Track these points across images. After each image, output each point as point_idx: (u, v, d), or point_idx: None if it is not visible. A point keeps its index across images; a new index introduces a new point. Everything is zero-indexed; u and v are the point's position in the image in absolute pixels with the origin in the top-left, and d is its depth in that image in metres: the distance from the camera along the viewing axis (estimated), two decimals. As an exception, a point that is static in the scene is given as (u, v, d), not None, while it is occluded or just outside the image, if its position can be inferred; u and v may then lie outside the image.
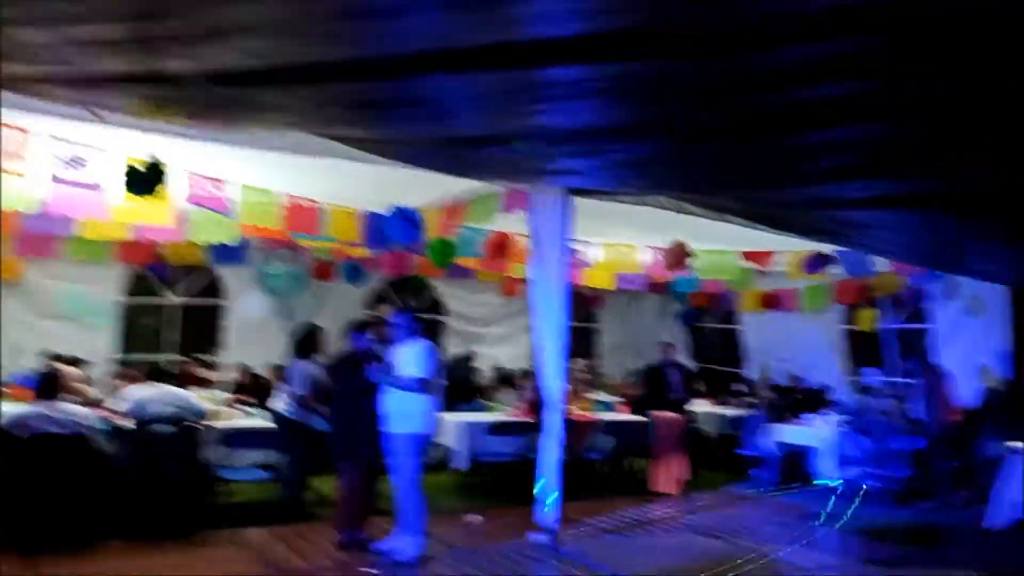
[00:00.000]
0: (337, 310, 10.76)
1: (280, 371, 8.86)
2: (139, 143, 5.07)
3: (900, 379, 10.19)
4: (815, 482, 8.48)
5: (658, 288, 12.29)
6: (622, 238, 8.91)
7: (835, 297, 10.46)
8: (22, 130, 5.18)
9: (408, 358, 5.34)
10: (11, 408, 5.82)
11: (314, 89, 2.87)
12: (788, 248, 8.53)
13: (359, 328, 5.93)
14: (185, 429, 5.70)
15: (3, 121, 5.03)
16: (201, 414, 5.90)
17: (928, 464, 7.89)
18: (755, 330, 12.38)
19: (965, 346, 9.46)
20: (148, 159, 5.01)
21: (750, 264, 9.15)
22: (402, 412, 5.25)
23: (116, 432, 5.72)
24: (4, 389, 7.17)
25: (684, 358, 11.51)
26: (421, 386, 5.24)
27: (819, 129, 2.86)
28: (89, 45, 2.45)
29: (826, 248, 8.14)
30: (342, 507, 5.54)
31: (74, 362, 8.67)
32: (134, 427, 5.63)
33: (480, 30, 2.24)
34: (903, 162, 3.10)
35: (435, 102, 2.93)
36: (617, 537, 6.19)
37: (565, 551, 5.76)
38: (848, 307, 10.76)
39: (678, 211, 6.07)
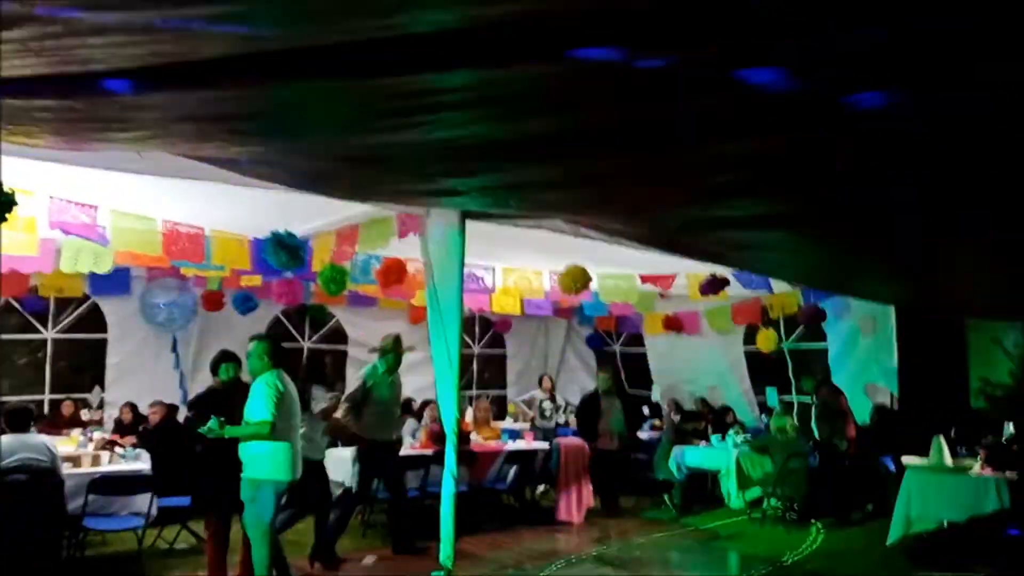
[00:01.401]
0: (229, 341, 10.33)
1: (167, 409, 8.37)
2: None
3: (798, 398, 10.44)
4: (721, 504, 8.51)
5: (564, 312, 12.30)
6: (524, 263, 8.81)
7: (732, 318, 10.65)
8: None
9: (254, 395, 4.87)
10: None
11: (160, 98, 2.61)
12: (689, 270, 8.60)
13: (226, 360, 5.51)
14: (42, 478, 5.19)
15: None
16: (56, 459, 5.39)
17: (826, 482, 8.01)
18: (659, 353, 12.49)
19: (857, 364, 9.76)
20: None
21: (649, 287, 9.19)
22: (251, 455, 4.80)
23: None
24: None
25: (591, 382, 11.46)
26: (271, 431, 4.71)
27: (705, 143, 2.78)
28: None
29: (723, 270, 8.25)
30: (211, 558, 5.13)
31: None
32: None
33: (334, 28, 2.03)
34: (785, 179, 3.06)
35: (292, 114, 2.72)
36: (517, 572, 5.98)
37: (463, 590, 5.52)
38: (748, 328, 10.97)
39: (575, 235, 5.99)
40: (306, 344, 11.63)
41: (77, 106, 2.73)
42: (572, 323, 13.38)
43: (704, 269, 8.39)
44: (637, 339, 12.86)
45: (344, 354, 11.95)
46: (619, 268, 8.73)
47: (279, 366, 4.99)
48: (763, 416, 10.41)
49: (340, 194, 5.14)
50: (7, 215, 4.74)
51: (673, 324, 11.53)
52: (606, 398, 8.59)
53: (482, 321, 12.91)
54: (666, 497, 8.70)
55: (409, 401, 10.91)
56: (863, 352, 9.76)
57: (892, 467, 7.88)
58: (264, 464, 4.76)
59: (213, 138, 3.26)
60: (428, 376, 12.19)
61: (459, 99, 2.48)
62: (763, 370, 11.17)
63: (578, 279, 7.44)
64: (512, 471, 7.92)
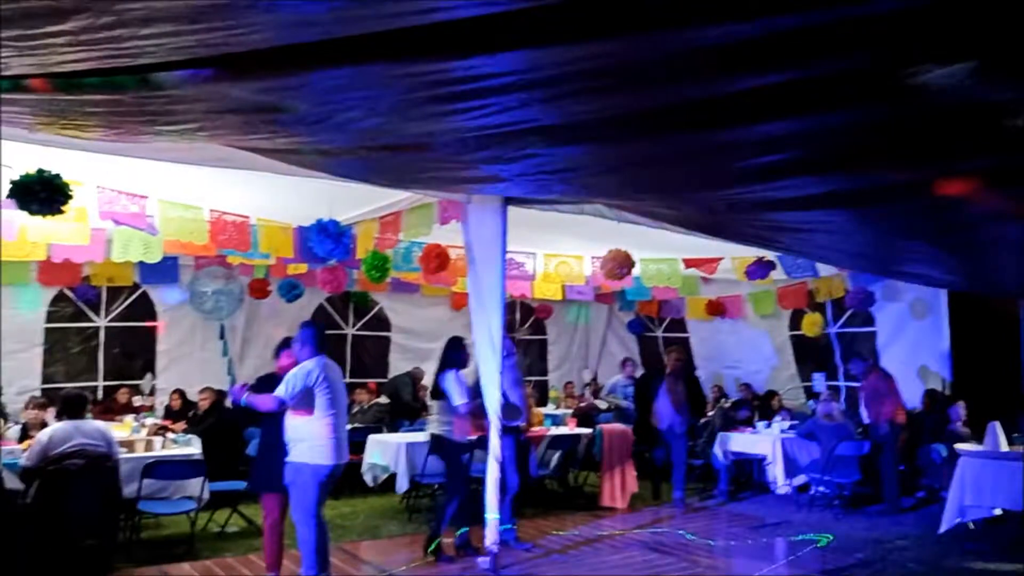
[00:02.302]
0: (275, 328, 10.49)
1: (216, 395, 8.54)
2: (46, 158, 4.75)
3: (846, 383, 10.26)
4: (766, 491, 8.42)
5: (606, 298, 12.24)
6: (566, 248, 8.78)
7: (778, 303, 10.49)
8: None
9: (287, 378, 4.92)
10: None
11: (208, 90, 2.63)
12: (734, 253, 8.49)
13: (287, 346, 5.60)
14: (99, 462, 5.33)
15: None
16: (112, 444, 5.54)
17: (875, 468, 7.87)
18: (702, 338, 12.37)
19: (907, 348, 9.55)
20: (42, 174, 4.65)
21: (693, 271, 9.09)
22: (293, 439, 4.86)
23: (25, 468, 5.33)
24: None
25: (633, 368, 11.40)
26: (278, 405, 4.79)
27: (756, 123, 2.70)
28: None
29: (769, 254, 8.12)
30: (267, 540, 5.20)
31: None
32: (34, 464, 5.24)
33: (375, 16, 2.02)
34: (837, 157, 2.97)
35: (335, 103, 2.71)
36: (563, 556, 5.99)
37: (505, 574, 5.54)
38: (794, 312, 10.80)
39: (618, 220, 5.94)
40: (350, 331, 11.76)
41: (126, 99, 2.77)
42: (613, 308, 13.31)
43: (749, 253, 8.27)
44: (679, 324, 12.75)
45: (387, 341, 12.06)
46: (662, 252, 8.65)
47: (322, 353, 5.03)
48: (810, 402, 10.25)
49: (383, 182, 5.15)
50: (63, 208, 4.88)
51: (716, 309, 11.40)
52: (669, 379, 8.40)
53: (523, 307, 12.91)
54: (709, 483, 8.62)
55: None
56: (913, 336, 9.55)
57: (944, 453, 7.70)
58: (303, 448, 4.82)
59: (259, 128, 3.28)
60: (471, 363, 12.37)
61: (503, 83, 2.45)
62: (809, 355, 11.01)
63: (622, 263, 7.37)
64: (556, 456, 7.92)
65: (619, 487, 7.97)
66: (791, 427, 8.71)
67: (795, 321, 10.86)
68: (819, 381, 10.24)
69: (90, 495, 5.25)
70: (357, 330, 11.85)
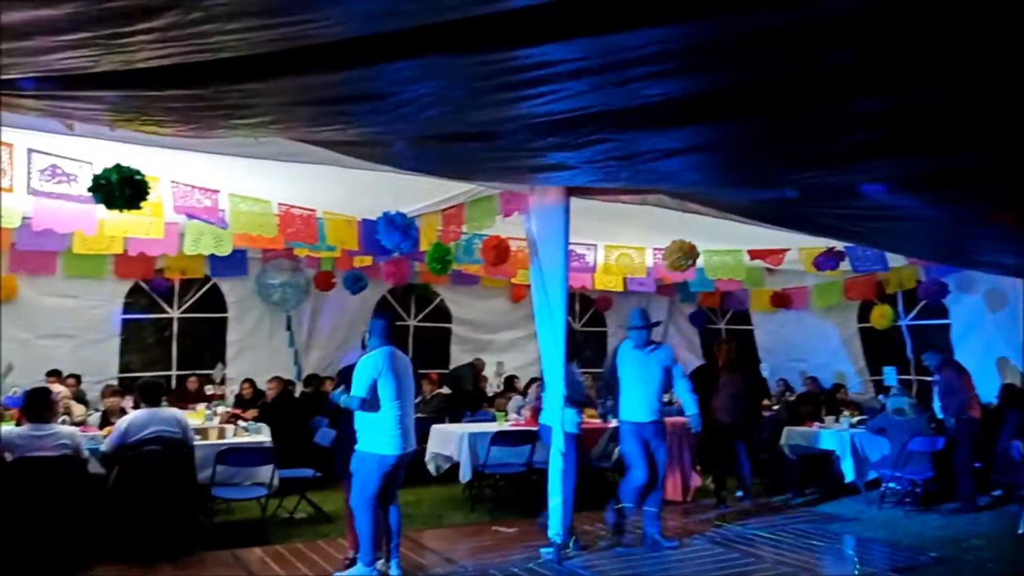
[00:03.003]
0: (340, 319, 10.71)
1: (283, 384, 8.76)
2: (125, 155, 4.93)
3: (918, 377, 9.95)
4: (834, 486, 8.22)
5: (667, 290, 12.11)
6: (627, 240, 8.71)
7: (845, 294, 10.21)
8: (5, 144, 5.06)
9: (356, 371, 4.97)
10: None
11: (273, 84, 2.68)
12: (799, 244, 8.30)
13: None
14: (175, 449, 5.52)
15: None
16: (187, 431, 5.73)
17: (950, 465, 7.61)
18: (767, 331, 12.14)
19: (983, 341, 9.21)
20: (122, 170, 4.82)
21: (758, 262, 8.92)
22: (360, 428, 4.95)
23: (105, 454, 5.56)
24: (-3, 410, 7.05)
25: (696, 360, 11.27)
26: (360, 405, 4.86)
27: (842, 101, 2.59)
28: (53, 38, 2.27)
29: (838, 244, 7.91)
30: (349, 523, 5.30)
31: (75, 380, 8.59)
32: (113, 449, 5.46)
33: (439, 6, 2.03)
34: (920, 138, 2.85)
35: (400, 93, 2.73)
36: (625, 550, 5.96)
37: (571, 565, 5.55)
38: (863, 304, 10.51)
39: (682, 211, 5.87)
40: (412, 323, 11.90)
41: (206, 94, 2.85)
42: (675, 300, 13.16)
43: (816, 244, 8.08)
44: (743, 316, 12.54)
45: (448, 332, 12.18)
46: (726, 243, 8.52)
47: (391, 343, 5.10)
48: (880, 396, 9.97)
49: (448, 174, 5.20)
50: (141, 203, 5.06)
51: (781, 300, 11.18)
52: (727, 372, 8.20)
53: (582, 299, 12.87)
54: (777, 478, 8.46)
55: (512, 378, 11.06)
56: (990, 329, 9.20)
57: (1023, 450, 7.40)
58: (369, 438, 4.90)
59: (330, 120, 3.34)
60: (530, 354, 12.42)
61: (573, 69, 2.43)
62: (879, 348, 10.70)
63: (687, 255, 7.27)
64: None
65: (680, 481, 7.89)
66: (860, 422, 8.49)
67: (864, 313, 10.58)
68: (890, 375, 9.93)
69: (167, 480, 5.44)
70: (419, 321, 12.00)
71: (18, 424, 5.81)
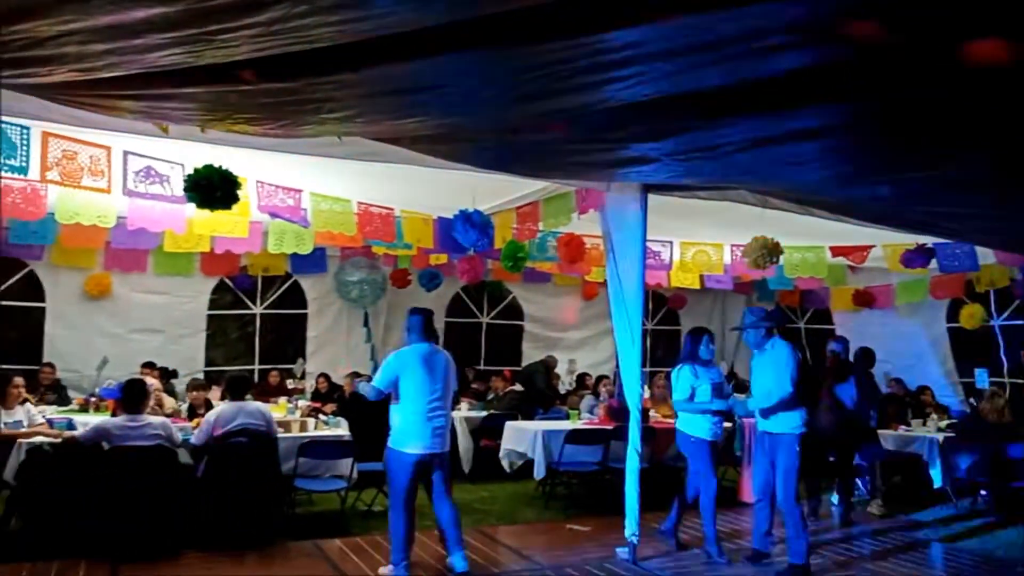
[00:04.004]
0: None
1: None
2: (213, 156, 5.11)
3: (1011, 380, 9.49)
4: (920, 492, 7.91)
5: (744, 288, 11.86)
6: (704, 236, 8.58)
7: (931, 292, 9.80)
8: (103, 147, 5.31)
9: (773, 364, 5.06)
10: (95, 419, 5.98)
11: (362, 75, 2.71)
12: (884, 241, 8.02)
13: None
14: (260, 441, 5.70)
15: (84, 139, 5.19)
16: (271, 424, 5.91)
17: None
18: (849, 330, 11.74)
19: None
20: (220, 170, 4.99)
21: (840, 260, 8.65)
22: (391, 425, 4.98)
23: (195, 445, 5.78)
24: (92, 400, 7.40)
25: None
26: (376, 395, 4.97)
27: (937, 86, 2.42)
28: (116, 39, 2.35)
29: (926, 240, 7.59)
30: None
31: (171, 373, 8.95)
32: (203, 441, 5.66)
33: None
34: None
35: (480, 82, 2.73)
36: (701, 552, 5.86)
37: (646, 566, 5.50)
38: (952, 303, 10.08)
39: (763, 206, 5.74)
40: (485, 320, 11.99)
41: (296, 87, 2.91)
42: (752, 299, 12.88)
43: (902, 240, 7.78)
44: (823, 315, 12.18)
45: (520, 329, 12.22)
46: (807, 240, 8.29)
47: (428, 339, 5.09)
48: (970, 399, 9.55)
49: (524, 171, 5.20)
50: (225, 198, 5.22)
51: (864, 299, 10.81)
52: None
53: (655, 297, 12.74)
54: (858, 482, 8.19)
55: (583, 376, 11.03)
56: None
57: None
58: (395, 435, 4.92)
59: (412, 112, 3.37)
60: (602, 352, 12.38)
61: (663, 49, 2.35)
62: (969, 349, 10.24)
63: (770, 252, 7.10)
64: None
65: (751, 480, 7.70)
66: (949, 425, 8.15)
67: (953, 312, 10.14)
68: (981, 377, 9.50)
69: (253, 471, 5.63)
70: (491, 319, 12.08)
71: (114, 414, 6.10)
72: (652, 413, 8.10)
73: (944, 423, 8.24)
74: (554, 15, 2.16)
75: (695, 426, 5.67)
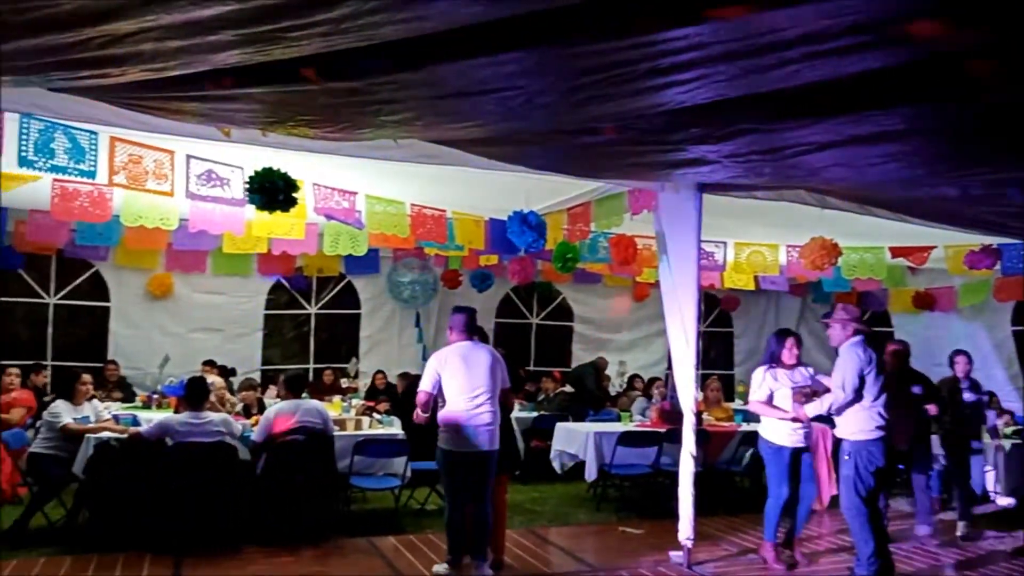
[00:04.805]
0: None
1: (412, 379, 8.99)
2: (271, 160, 5.21)
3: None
4: (983, 501, 7.67)
5: (798, 289, 11.65)
6: (758, 236, 8.45)
7: (995, 295, 9.47)
8: (167, 151, 5.45)
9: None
10: (159, 416, 6.15)
11: (423, 75, 2.74)
12: (946, 242, 7.79)
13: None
14: (317, 439, 5.80)
15: (149, 144, 5.35)
16: (328, 422, 6.00)
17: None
18: (908, 332, 11.43)
19: None
20: (277, 173, 5.10)
21: (900, 260, 8.44)
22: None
23: (254, 443, 5.90)
24: (154, 396, 7.62)
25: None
26: (425, 399, 4.97)
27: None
28: (190, 36, 2.41)
29: (991, 240, 7.36)
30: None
31: (230, 372, 9.17)
32: (262, 438, 5.78)
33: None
34: None
35: (536, 83, 2.73)
36: (757, 556, 5.77)
37: (701, 570, 5.44)
38: (1018, 305, 9.74)
39: (821, 206, 5.63)
40: (534, 321, 12.00)
41: (359, 87, 2.95)
42: (807, 300, 12.65)
43: (966, 240, 7.55)
44: (882, 318, 11.88)
45: (569, 330, 12.20)
46: (865, 240, 8.11)
47: (470, 337, 5.09)
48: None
49: (577, 172, 5.19)
50: (285, 201, 5.33)
51: (924, 301, 10.51)
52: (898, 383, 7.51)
53: (708, 298, 12.59)
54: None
55: (634, 378, 10.95)
56: None
57: None
58: (442, 433, 4.95)
59: (472, 118, 3.40)
60: (653, 354, 12.28)
61: (719, 52, 2.33)
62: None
63: (829, 253, 6.96)
64: (748, 453, 7.66)
65: (819, 487, 7.56)
66: (1016, 432, 7.88)
67: (1019, 315, 9.80)
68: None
69: (310, 468, 5.72)
70: (541, 319, 12.08)
71: (176, 411, 6.27)
72: (705, 416, 8.01)
73: (1011, 429, 7.97)
74: (615, 15, 2.15)
75: (772, 431, 5.54)
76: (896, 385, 6.68)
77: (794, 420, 5.45)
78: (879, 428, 5.06)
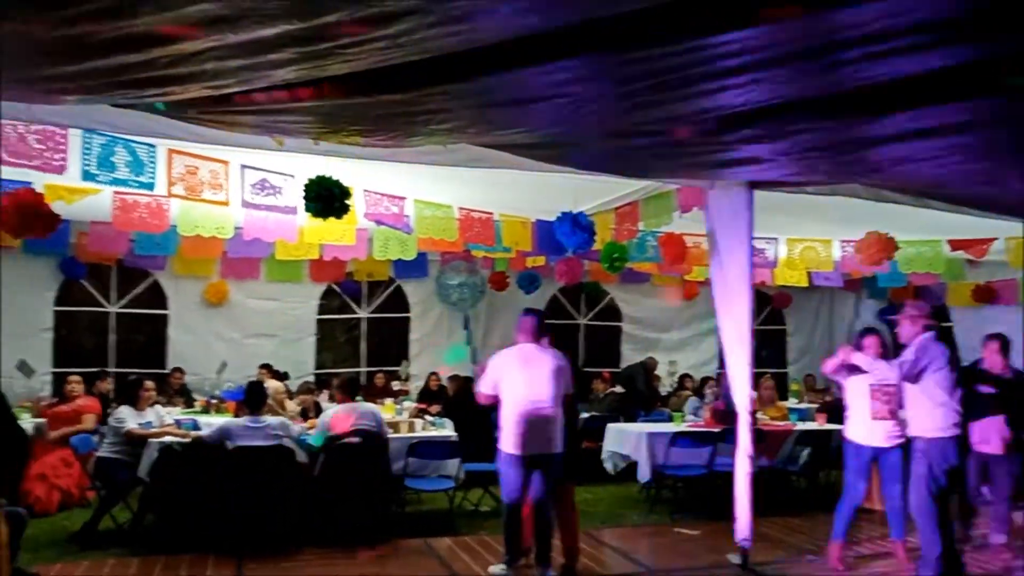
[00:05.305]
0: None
1: (462, 381, 9.05)
2: (321, 167, 5.30)
3: None
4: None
5: (852, 284, 11.41)
6: (811, 232, 8.30)
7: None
8: (222, 162, 5.59)
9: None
10: (219, 420, 6.30)
11: (473, 85, 2.77)
12: (1008, 234, 7.55)
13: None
14: (373, 441, 5.87)
15: (205, 155, 5.48)
16: (382, 424, 6.08)
17: None
18: (967, 328, 11.10)
19: None
20: (331, 180, 5.19)
21: (960, 254, 8.21)
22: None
23: (312, 444, 6.01)
24: (213, 401, 7.80)
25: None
26: (485, 400, 5.07)
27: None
28: (252, 54, 2.47)
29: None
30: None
31: (282, 376, 9.35)
32: (319, 441, 5.88)
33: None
34: None
35: (589, 92, 2.73)
36: (817, 559, 5.67)
37: (760, 572, 5.36)
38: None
39: (876, 199, 5.51)
40: (582, 321, 11.97)
41: (411, 98, 2.99)
42: (861, 296, 12.39)
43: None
44: (940, 312, 11.56)
45: (618, 330, 12.14)
46: (922, 234, 7.91)
47: (530, 341, 5.06)
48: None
49: (626, 172, 5.17)
50: (338, 207, 5.42)
51: (985, 295, 10.21)
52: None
53: (758, 296, 12.40)
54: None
55: (685, 377, 10.85)
56: None
57: None
58: (502, 435, 4.95)
59: (522, 124, 3.41)
60: (704, 353, 12.15)
61: (767, 57, 2.32)
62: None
63: (886, 248, 6.81)
64: (804, 453, 7.54)
65: (879, 489, 7.39)
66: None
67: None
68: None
69: (366, 470, 5.80)
70: (589, 320, 12.05)
71: (236, 415, 6.42)
72: (760, 415, 7.90)
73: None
74: (668, 19, 2.14)
75: (853, 428, 5.48)
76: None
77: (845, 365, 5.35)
78: (955, 426, 4.91)
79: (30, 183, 5.29)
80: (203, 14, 2.14)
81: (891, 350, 5.58)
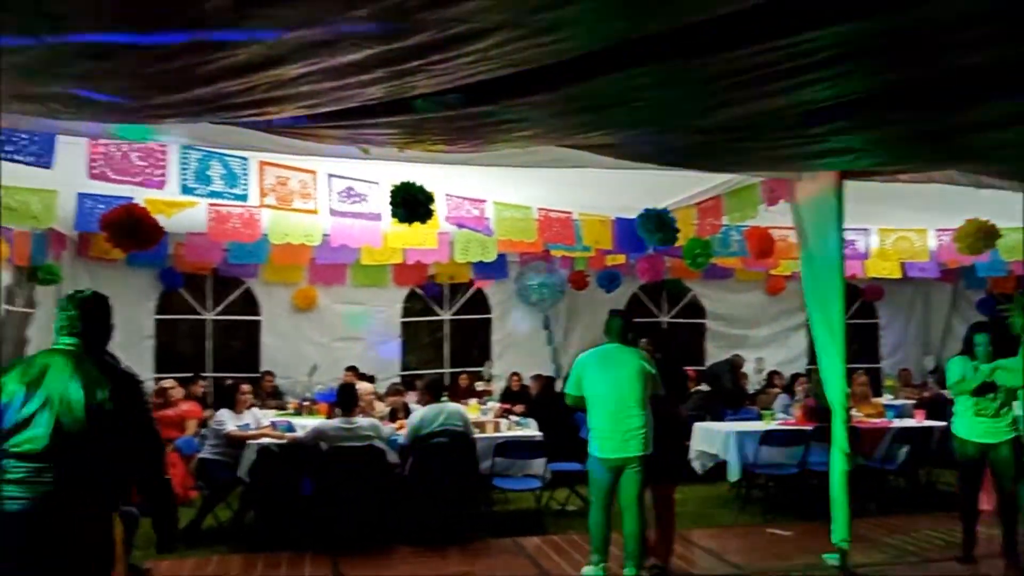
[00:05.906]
0: (594, 317, 10.92)
1: (545, 380, 9.09)
2: (404, 174, 5.42)
3: None
4: None
5: (948, 275, 10.92)
6: (904, 222, 7.99)
7: None
8: (310, 172, 5.77)
9: None
10: (314, 422, 6.50)
11: (555, 95, 2.79)
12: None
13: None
14: (460, 441, 5.96)
15: (294, 166, 5.67)
16: (468, 425, 6.16)
17: None
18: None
19: None
20: (416, 187, 5.30)
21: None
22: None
23: (401, 445, 6.14)
24: (305, 403, 8.05)
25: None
26: (572, 402, 5.03)
27: None
28: (345, 76, 2.54)
29: None
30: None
31: (369, 378, 9.59)
32: (409, 441, 5.99)
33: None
34: None
35: (672, 95, 2.70)
36: (921, 561, 5.46)
37: (858, 573, 5.20)
38: None
39: (976, 186, 5.26)
40: (664, 319, 11.83)
41: (494, 110, 3.03)
42: (959, 287, 11.84)
43: None
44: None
45: (702, 328, 11.95)
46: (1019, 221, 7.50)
47: (618, 341, 5.04)
48: None
49: (710, 167, 5.09)
50: (422, 212, 5.52)
51: (1098, 283, 9.62)
52: None
53: (850, 289, 11.98)
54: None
55: (773, 374, 10.60)
56: None
57: None
58: (589, 437, 4.96)
59: (603, 127, 3.41)
60: (792, 349, 11.84)
61: (853, 50, 2.25)
62: None
63: (986, 236, 6.50)
64: (903, 451, 7.26)
65: (988, 487, 7.06)
66: None
67: None
68: None
69: (454, 470, 5.89)
70: (671, 318, 11.90)
71: (327, 417, 6.61)
72: (854, 412, 7.64)
73: None
74: (752, 19, 2.11)
75: (960, 426, 5.37)
76: None
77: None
78: None
79: (132, 198, 5.58)
80: (301, 41, 2.22)
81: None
